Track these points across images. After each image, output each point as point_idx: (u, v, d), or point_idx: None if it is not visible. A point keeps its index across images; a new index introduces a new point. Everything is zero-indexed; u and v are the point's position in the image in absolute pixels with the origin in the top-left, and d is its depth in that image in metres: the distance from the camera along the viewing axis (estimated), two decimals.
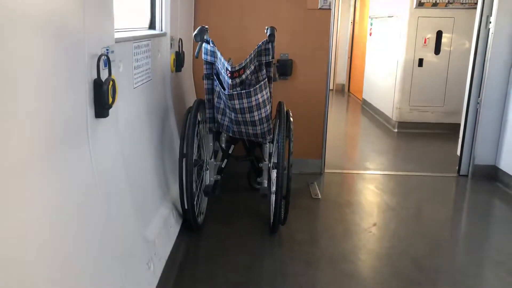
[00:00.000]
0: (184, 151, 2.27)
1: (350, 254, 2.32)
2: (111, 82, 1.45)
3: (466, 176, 3.57)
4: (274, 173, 2.53)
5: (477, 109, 3.47)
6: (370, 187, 3.33)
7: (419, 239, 2.52)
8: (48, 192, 1.15)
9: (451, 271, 2.21)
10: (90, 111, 1.40)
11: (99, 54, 1.42)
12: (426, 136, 4.90)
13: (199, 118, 2.44)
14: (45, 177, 1.14)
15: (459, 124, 3.72)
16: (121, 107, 1.71)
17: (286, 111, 2.52)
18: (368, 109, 6.33)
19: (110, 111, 1.50)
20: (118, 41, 1.68)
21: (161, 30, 2.58)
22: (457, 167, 3.63)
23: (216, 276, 2.08)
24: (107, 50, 1.50)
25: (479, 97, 3.45)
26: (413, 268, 2.19)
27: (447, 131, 4.92)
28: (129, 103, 1.90)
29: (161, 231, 2.10)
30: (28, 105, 1.06)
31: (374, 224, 2.68)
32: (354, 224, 2.68)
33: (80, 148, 1.36)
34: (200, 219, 2.53)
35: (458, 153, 3.67)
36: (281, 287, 2.03)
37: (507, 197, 3.18)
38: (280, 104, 2.54)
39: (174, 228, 2.35)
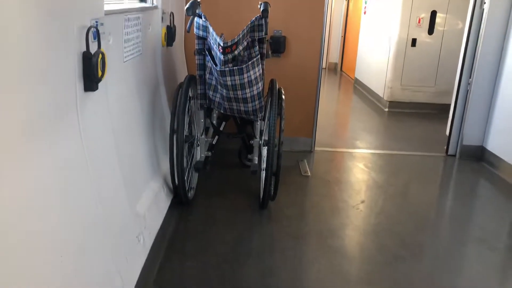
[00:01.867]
0: (175, 127, 2.27)
1: (338, 230, 2.37)
2: (100, 55, 1.44)
3: (454, 156, 3.62)
4: (265, 150, 2.55)
5: (468, 89, 3.50)
6: (359, 165, 3.37)
7: (405, 216, 2.57)
8: (38, 166, 1.15)
9: (434, 247, 2.27)
10: (79, 84, 1.39)
11: (88, 26, 1.40)
12: (416, 115, 4.94)
13: (190, 94, 2.43)
14: (34, 151, 1.14)
15: (450, 105, 3.75)
16: (110, 81, 1.70)
17: (278, 89, 2.52)
18: (360, 88, 6.34)
19: (100, 85, 1.50)
20: (108, 13, 1.66)
21: (152, 4, 2.54)
22: (445, 147, 3.68)
23: (205, 250, 2.11)
24: (96, 22, 1.48)
25: (470, 77, 3.47)
26: (398, 244, 2.25)
27: (437, 111, 4.96)
28: (119, 77, 1.89)
29: (151, 205, 2.12)
30: (14, 79, 1.06)
31: (362, 201, 2.72)
32: (342, 201, 2.72)
33: (69, 122, 1.36)
34: (191, 194, 2.55)
35: (447, 133, 3.71)
36: (270, 261, 2.07)
37: (493, 177, 3.24)
38: (272, 82, 2.54)
39: (164, 202, 2.38)
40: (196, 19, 2.37)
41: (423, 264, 2.10)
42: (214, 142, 2.68)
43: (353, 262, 2.10)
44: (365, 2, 6.23)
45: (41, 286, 1.08)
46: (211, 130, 2.75)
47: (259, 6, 2.37)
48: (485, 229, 2.48)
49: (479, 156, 3.53)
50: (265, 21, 2.33)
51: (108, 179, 1.63)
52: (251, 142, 2.65)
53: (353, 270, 2.03)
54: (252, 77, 2.28)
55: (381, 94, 5.30)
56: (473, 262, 2.16)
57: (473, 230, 2.49)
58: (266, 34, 2.38)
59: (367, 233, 2.38)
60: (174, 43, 2.89)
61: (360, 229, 2.42)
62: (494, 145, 3.40)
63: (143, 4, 2.45)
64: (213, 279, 1.90)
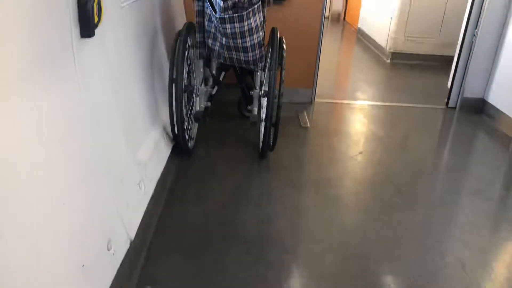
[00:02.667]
0: (174, 76, 2.25)
1: (335, 180, 2.41)
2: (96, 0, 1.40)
3: (454, 108, 3.61)
4: (264, 101, 2.54)
5: (473, 41, 3.43)
6: (358, 117, 3.38)
7: (402, 167, 2.61)
8: (36, 113, 1.15)
9: (430, 197, 2.32)
10: (74, 30, 1.37)
11: None
12: (419, 67, 4.88)
13: (189, 42, 2.39)
14: (32, 97, 1.14)
15: (453, 57, 3.70)
16: (107, 27, 1.67)
17: (279, 38, 2.47)
18: (363, 39, 6.21)
19: (97, 31, 1.47)
20: None
21: None
22: (446, 100, 3.66)
23: (205, 197, 2.16)
24: None
25: (476, 29, 3.39)
26: (395, 194, 2.29)
27: (440, 63, 4.89)
28: (116, 24, 1.85)
29: (152, 154, 2.14)
30: (9, 24, 1.04)
31: (360, 152, 2.75)
32: (341, 152, 2.75)
33: (66, 68, 1.34)
34: (191, 144, 2.58)
35: (449, 85, 3.68)
36: (268, 208, 2.13)
37: (492, 129, 3.25)
38: (273, 31, 2.49)
39: (164, 151, 2.40)
40: None
41: (418, 212, 2.16)
42: (213, 93, 2.67)
43: (349, 210, 2.16)
44: None
45: (43, 230, 1.12)
46: (210, 80, 2.73)
47: None
48: (481, 180, 2.52)
49: (479, 109, 3.52)
50: None
51: (107, 126, 1.64)
52: (251, 93, 2.63)
53: (349, 218, 2.09)
54: (253, 25, 2.23)
55: (383, 45, 5.20)
56: (467, 212, 2.21)
57: (469, 180, 2.53)
58: None
59: (363, 183, 2.43)
60: None
61: (357, 179, 2.46)
62: (495, 97, 3.38)
63: None
64: (212, 224, 1.96)
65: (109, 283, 1.43)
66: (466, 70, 3.49)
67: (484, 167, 2.72)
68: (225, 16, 2.18)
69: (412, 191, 2.34)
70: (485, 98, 3.50)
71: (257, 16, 2.23)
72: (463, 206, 2.27)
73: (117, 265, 1.51)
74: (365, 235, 1.95)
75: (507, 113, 3.19)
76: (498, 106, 3.32)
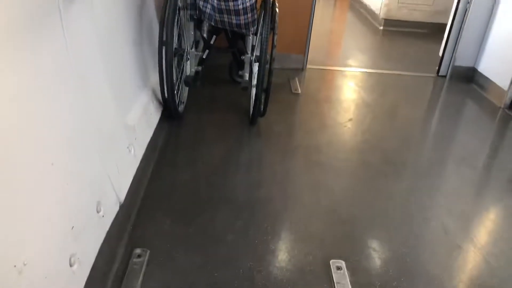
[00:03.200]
0: (164, 39, 2.21)
1: (324, 146, 2.43)
2: None
3: (445, 77, 3.62)
4: (256, 67, 2.52)
5: (466, 9, 3.40)
6: (349, 84, 3.37)
7: (391, 134, 2.63)
8: (23, 75, 1.13)
9: (416, 165, 2.36)
10: None
11: None
12: (411, 35, 4.84)
13: (179, 4, 2.33)
14: (19, 60, 1.11)
15: (446, 24, 3.67)
16: None
17: (272, 2, 2.42)
18: (356, 5, 6.12)
19: None
20: None
21: None
22: (437, 68, 3.66)
23: (195, 162, 2.17)
24: None
25: None
26: (382, 161, 2.33)
27: (433, 31, 4.86)
28: None
29: (141, 117, 2.13)
30: None
31: (350, 119, 2.76)
32: (331, 119, 2.76)
33: (54, 31, 1.31)
34: (181, 108, 2.56)
35: (440, 53, 3.67)
36: (257, 174, 2.15)
37: (481, 98, 3.27)
38: None
39: (154, 115, 2.39)
40: None
41: (404, 180, 2.20)
42: (204, 57, 2.63)
43: (337, 176, 2.19)
44: None
45: (31, 191, 1.12)
46: (201, 44, 2.68)
47: None
48: (467, 148, 2.56)
49: (469, 78, 3.53)
50: None
51: (96, 89, 1.62)
52: (242, 57, 2.60)
53: (336, 183, 2.12)
54: None
55: (377, 12, 5.13)
56: (452, 179, 2.26)
57: (456, 149, 2.57)
58: None
59: (352, 150, 2.45)
60: None
61: (346, 146, 2.49)
62: (486, 66, 3.39)
63: None
64: (202, 189, 1.97)
65: (99, 245, 1.45)
66: (459, 38, 3.48)
67: (471, 135, 2.75)
68: None
69: (399, 159, 2.37)
70: (475, 67, 3.50)
71: None
72: (448, 174, 2.31)
73: (107, 228, 1.53)
74: (352, 201, 1.99)
75: (496, 82, 3.20)
76: (488, 75, 3.33)
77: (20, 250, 1.02)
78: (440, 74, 3.64)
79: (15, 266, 0.99)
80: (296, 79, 3.30)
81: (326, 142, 2.47)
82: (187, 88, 2.71)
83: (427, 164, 2.36)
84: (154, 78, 2.48)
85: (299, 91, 3.11)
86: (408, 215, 1.92)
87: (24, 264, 1.02)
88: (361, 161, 2.33)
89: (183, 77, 2.55)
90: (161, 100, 2.46)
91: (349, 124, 2.70)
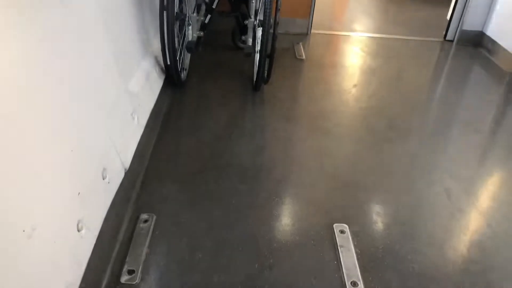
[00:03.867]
0: (165, 4, 2.17)
1: (329, 112, 2.42)
2: None
3: (452, 41, 3.55)
4: (259, 31, 2.47)
5: None
6: (355, 49, 3.32)
7: (396, 100, 2.61)
8: (24, 37, 1.12)
9: (421, 130, 2.34)
10: None
11: None
12: None
13: None
14: (19, 23, 1.10)
15: None
16: None
17: None
18: None
19: None
20: None
21: None
22: (444, 32, 3.58)
23: (199, 128, 2.17)
24: None
25: None
26: (387, 127, 2.32)
27: None
28: None
29: (144, 84, 2.12)
30: None
31: (355, 85, 2.73)
32: (335, 85, 2.73)
33: None
34: (183, 75, 2.54)
35: (448, 17, 3.58)
36: (261, 140, 2.15)
37: (488, 63, 3.22)
38: None
39: (157, 82, 2.37)
40: None
41: (409, 145, 2.19)
42: (206, 21, 2.58)
43: (341, 142, 2.18)
44: None
45: (38, 159, 1.13)
46: (203, 8, 2.63)
47: None
48: (472, 113, 2.54)
49: (477, 42, 3.46)
50: None
51: (97, 54, 1.60)
52: (245, 22, 2.55)
53: (340, 149, 2.12)
54: None
55: None
56: (457, 144, 2.25)
57: (461, 113, 2.55)
58: None
59: (357, 116, 2.44)
60: None
61: (350, 112, 2.47)
62: (494, 30, 3.32)
63: None
64: (207, 155, 1.98)
65: (105, 211, 1.47)
66: (467, 2, 3.39)
67: (476, 100, 2.72)
68: None
69: (404, 124, 2.36)
70: (483, 31, 3.42)
71: None
72: (453, 139, 2.30)
73: (112, 194, 1.55)
74: (356, 166, 1.99)
75: (504, 46, 3.14)
76: (496, 39, 3.26)
77: (28, 215, 1.04)
78: (447, 38, 3.57)
79: (24, 231, 1.01)
80: (301, 44, 3.25)
81: (330, 108, 2.46)
82: (189, 54, 2.67)
83: (432, 129, 2.35)
84: (156, 44, 2.45)
85: (304, 57, 3.06)
86: (412, 179, 1.93)
87: (33, 229, 1.04)
88: (365, 126, 2.32)
89: (185, 43, 2.52)
90: (164, 67, 2.44)
91: (354, 90, 2.68)
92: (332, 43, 3.47)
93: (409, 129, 2.33)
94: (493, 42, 3.28)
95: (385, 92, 2.69)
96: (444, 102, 2.68)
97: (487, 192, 1.91)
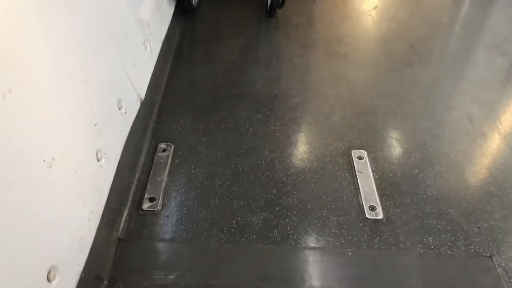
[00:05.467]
0: None
1: (347, 37, 2.32)
2: None
3: None
4: None
5: None
6: None
7: (418, 22, 2.48)
8: None
9: (443, 53, 2.24)
10: None
11: None
12: None
13: None
14: None
15: None
16: None
17: None
18: None
19: None
20: None
21: None
22: None
23: (212, 57, 2.12)
24: None
25: None
26: (407, 50, 2.22)
27: None
28: None
29: (154, 12, 2.04)
30: None
31: (375, 8, 2.59)
32: (354, 8, 2.60)
33: None
34: (195, 2, 2.43)
35: None
36: (277, 68, 2.09)
37: None
38: None
39: (167, 10, 2.28)
40: None
41: (430, 68, 2.11)
42: None
43: (360, 67, 2.11)
44: None
45: (52, 89, 1.11)
46: None
47: None
48: (498, 35, 2.41)
49: None
50: None
51: None
52: None
53: (359, 75, 2.05)
54: None
55: None
56: (480, 67, 2.16)
57: (486, 35, 2.42)
58: None
59: (376, 40, 2.34)
60: None
61: (369, 36, 2.37)
62: None
63: None
64: (221, 84, 1.95)
65: (123, 141, 1.48)
66: None
67: (503, 21, 2.57)
68: None
69: (425, 47, 2.26)
70: None
71: None
72: (476, 61, 2.20)
73: (130, 124, 1.55)
74: (374, 91, 1.94)
75: None
76: None
77: (47, 145, 1.05)
78: None
79: (44, 160, 1.02)
80: None
81: (348, 33, 2.35)
82: None
83: (455, 52, 2.25)
84: None
85: None
86: (432, 104, 1.88)
87: (53, 159, 1.05)
88: (385, 51, 2.23)
89: None
90: None
91: (373, 13, 2.54)
92: None
93: (430, 52, 2.23)
94: None
95: (406, 14, 2.56)
96: (468, 24, 2.54)
97: (511, 116, 1.85)
